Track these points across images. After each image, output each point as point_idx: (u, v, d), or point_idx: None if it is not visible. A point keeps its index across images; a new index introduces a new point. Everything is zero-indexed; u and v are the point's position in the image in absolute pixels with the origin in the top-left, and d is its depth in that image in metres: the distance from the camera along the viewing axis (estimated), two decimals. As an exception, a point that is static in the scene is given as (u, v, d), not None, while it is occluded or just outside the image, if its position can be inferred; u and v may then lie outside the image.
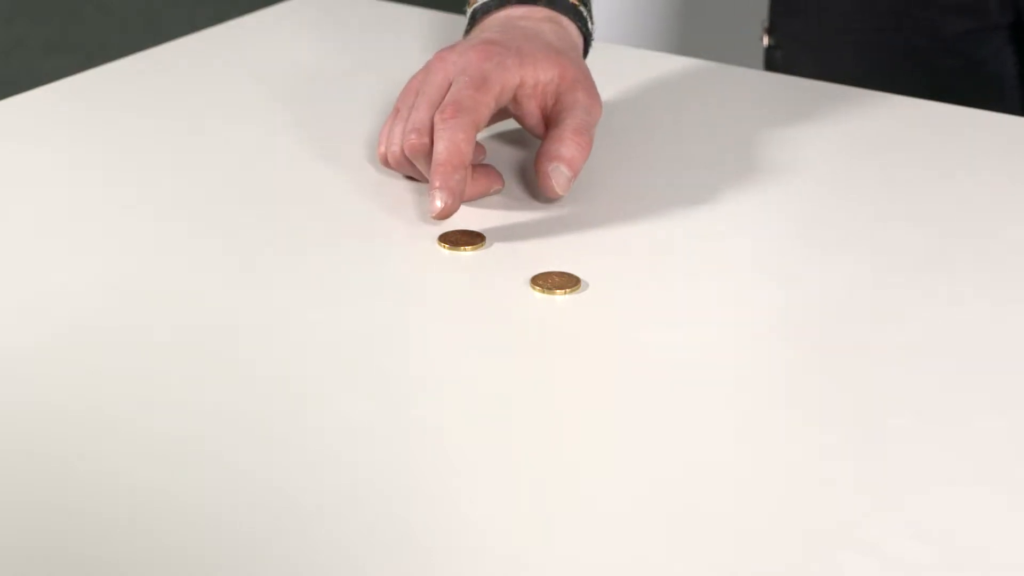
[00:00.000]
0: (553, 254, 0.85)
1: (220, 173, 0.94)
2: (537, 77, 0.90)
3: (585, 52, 0.98)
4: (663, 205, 0.90)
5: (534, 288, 0.81)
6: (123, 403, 0.72)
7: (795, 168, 0.96)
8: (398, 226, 0.88)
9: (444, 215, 0.85)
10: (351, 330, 0.78)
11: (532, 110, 0.92)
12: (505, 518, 0.64)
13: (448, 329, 0.78)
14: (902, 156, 0.97)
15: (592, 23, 0.98)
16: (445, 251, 0.85)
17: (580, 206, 0.90)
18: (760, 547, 0.63)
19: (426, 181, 0.91)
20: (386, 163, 0.92)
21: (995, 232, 0.88)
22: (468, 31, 0.98)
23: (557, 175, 0.88)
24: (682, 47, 2.24)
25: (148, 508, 0.64)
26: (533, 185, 0.93)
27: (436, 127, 0.86)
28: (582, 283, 0.81)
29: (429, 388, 0.73)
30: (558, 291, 0.81)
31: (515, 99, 0.91)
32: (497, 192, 0.91)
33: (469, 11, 0.99)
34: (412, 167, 0.90)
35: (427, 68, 0.92)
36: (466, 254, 0.85)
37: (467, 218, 0.88)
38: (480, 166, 0.91)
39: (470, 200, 0.89)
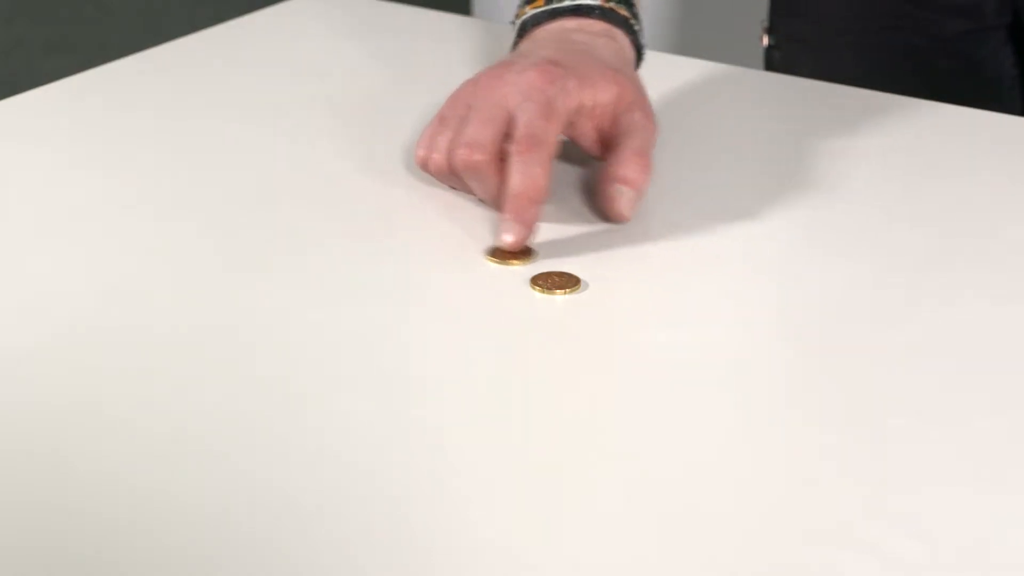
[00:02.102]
0: (553, 254, 0.85)
1: (220, 173, 0.94)
2: (596, 99, 0.89)
3: (636, 65, 0.97)
4: (663, 205, 0.90)
5: (534, 288, 0.81)
6: (123, 403, 0.72)
7: (794, 168, 0.96)
8: (398, 226, 0.88)
9: (513, 247, 0.84)
10: (351, 330, 0.78)
11: (588, 131, 0.91)
12: (505, 518, 0.64)
13: (448, 329, 0.78)
14: (902, 156, 0.97)
15: (644, 36, 0.97)
16: (493, 265, 0.84)
17: (580, 206, 0.90)
18: (760, 547, 0.63)
19: (468, 192, 0.90)
20: (425, 168, 0.90)
21: (995, 232, 0.88)
22: (517, 42, 0.97)
23: (623, 197, 0.87)
24: (682, 47, 2.24)
25: (148, 508, 0.64)
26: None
27: (512, 159, 0.85)
28: (582, 283, 0.81)
29: (429, 388, 0.73)
30: (558, 291, 0.81)
31: (572, 120, 0.90)
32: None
33: (518, 23, 0.97)
34: (454, 178, 0.89)
35: (481, 83, 0.90)
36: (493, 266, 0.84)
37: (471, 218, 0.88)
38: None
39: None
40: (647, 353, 0.77)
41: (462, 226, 0.88)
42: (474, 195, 0.90)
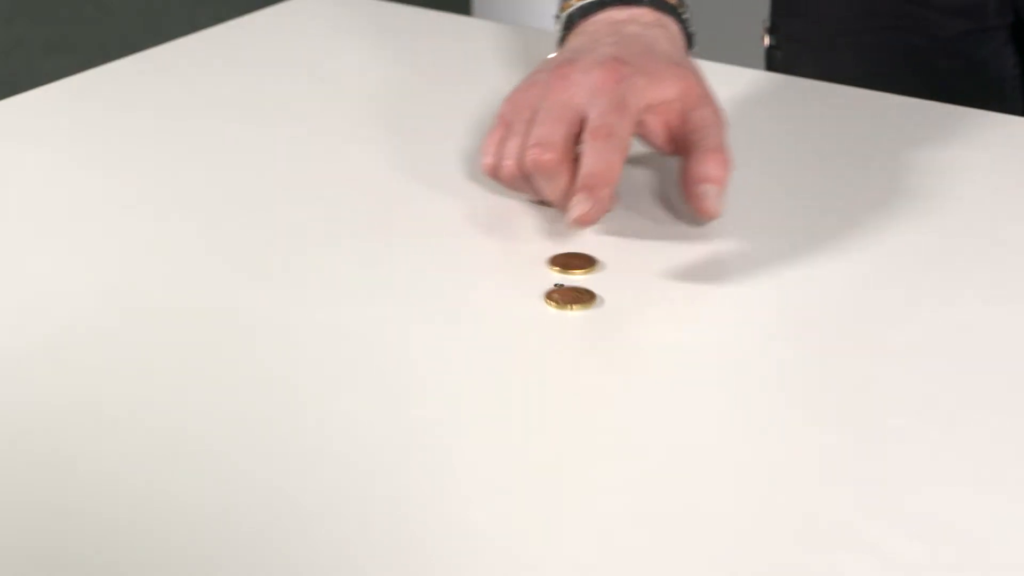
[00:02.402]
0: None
1: (220, 173, 0.94)
2: (663, 96, 0.88)
3: (687, 52, 0.96)
4: (665, 208, 0.90)
5: (548, 303, 0.80)
6: (123, 403, 0.72)
7: (794, 168, 0.96)
8: (402, 226, 0.88)
9: (583, 222, 0.82)
10: (351, 330, 0.77)
11: (657, 129, 0.90)
12: (505, 518, 0.64)
13: (449, 331, 0.78)
14: (902, 156, 0.97)
15: (692, 23, 0.96)
16: (556, 274, 0.83)
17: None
18: (759, 547, 0.63)
19: (538, 197, 0.88)
20: (495, 176, 0.88)
21: (995, 232, 0.88)
22: (564, 36, 0.95)
23: (710, 196, 0.86)
24: (682, 47, 2.23)
25: (148, 508, 0.64)
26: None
27: (587, 145, 0.83)
28: (597, 298, 0.81)
29: (429, 388, 0.73)
30: (572, 306, 0.80)
31: (641, 118, 0.88)
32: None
33: (563, 15, 0.96)
34: (525, 182, 0.87)
35: (547, 83, 0.88)
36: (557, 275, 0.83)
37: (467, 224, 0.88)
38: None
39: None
40: (647, 352, 0.76)
41: (472, 228, 0.88)
42: (543, 200, 0.87)
